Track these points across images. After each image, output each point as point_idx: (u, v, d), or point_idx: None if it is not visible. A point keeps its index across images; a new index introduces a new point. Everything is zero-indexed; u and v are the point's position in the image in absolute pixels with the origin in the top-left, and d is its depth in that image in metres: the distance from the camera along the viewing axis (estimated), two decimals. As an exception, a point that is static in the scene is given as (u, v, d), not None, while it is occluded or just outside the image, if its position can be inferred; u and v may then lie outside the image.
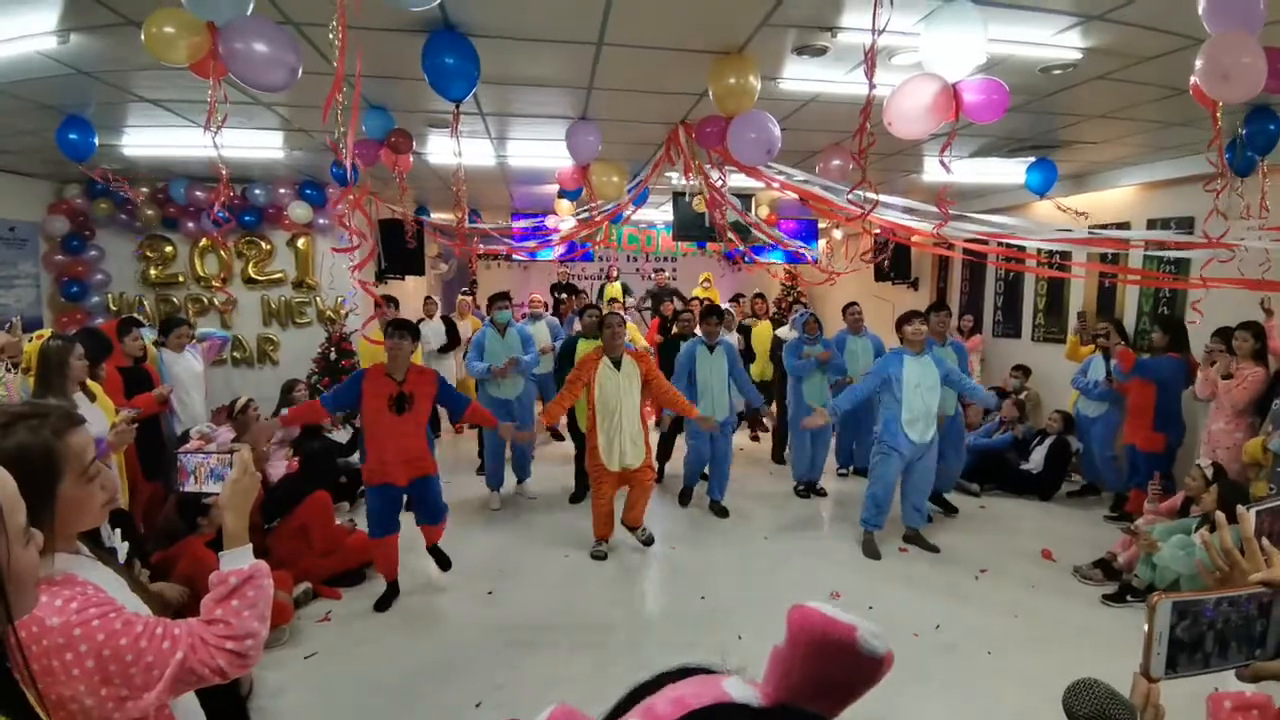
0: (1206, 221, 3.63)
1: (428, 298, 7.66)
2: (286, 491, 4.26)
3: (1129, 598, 3.99)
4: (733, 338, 6.98)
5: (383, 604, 3.93)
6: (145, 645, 1.16)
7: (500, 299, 5.79)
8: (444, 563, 4.15)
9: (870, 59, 2.39)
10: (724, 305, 7.39)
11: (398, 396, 3.74)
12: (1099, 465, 5.71)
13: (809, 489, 6.00)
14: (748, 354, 7.33)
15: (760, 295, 8.19)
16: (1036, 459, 5.88)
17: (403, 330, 3.82)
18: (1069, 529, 5.21)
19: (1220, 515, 1.20)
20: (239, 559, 1.34)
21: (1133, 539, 4.20)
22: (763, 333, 7.59)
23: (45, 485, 1.15)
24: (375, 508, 3.86)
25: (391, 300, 6.35)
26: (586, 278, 11.70)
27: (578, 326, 6.03)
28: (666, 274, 10.47)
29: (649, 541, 4.69)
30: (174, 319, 5.20)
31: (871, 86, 2.47)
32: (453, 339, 7.20)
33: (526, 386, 5.80)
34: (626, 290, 10.06)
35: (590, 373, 4.41)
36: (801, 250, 7.35)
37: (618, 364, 4.42)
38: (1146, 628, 0.97)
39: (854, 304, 6.20)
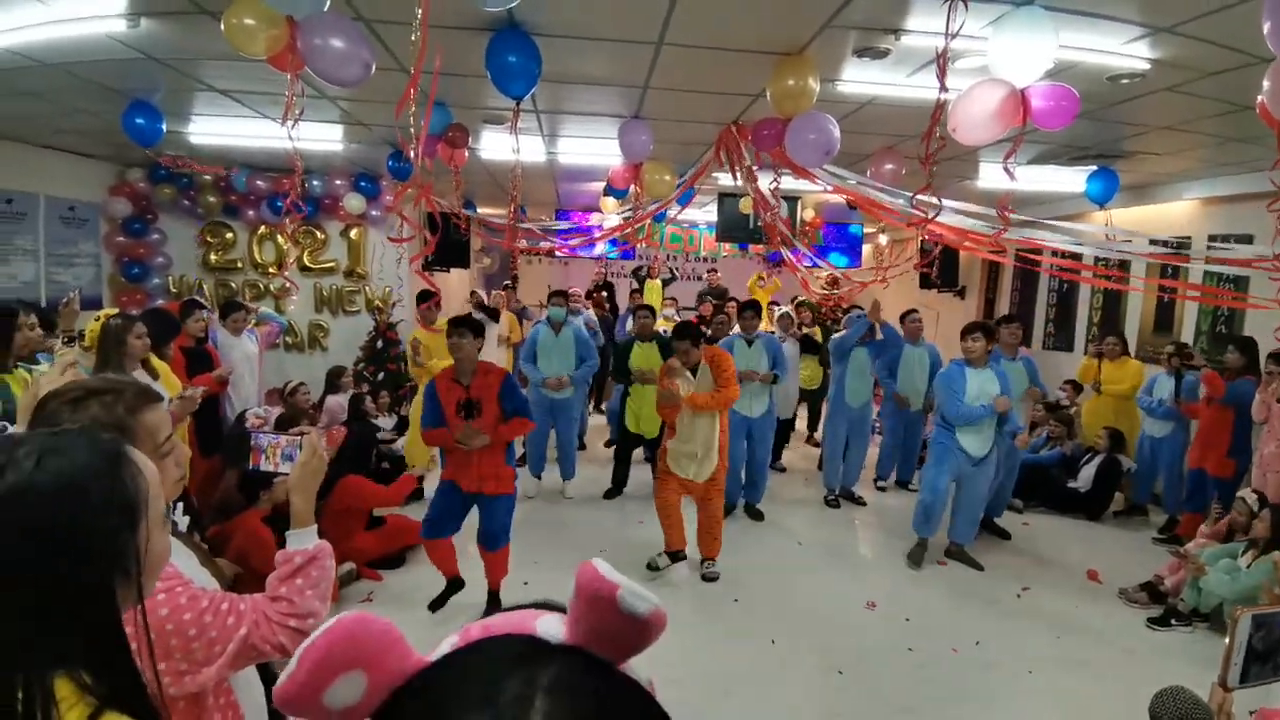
0: (1273, 241, 3.51)
1: (473, 291, 7.76)
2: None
3: (1174, 622, 3.89)
4: (794, 346, 6.65)
5: (437, 603, 3.79)
6: (210, 620, 1.18)
7: (557, 296, 5.77)
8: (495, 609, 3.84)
9: (942, 63, 2.36)
10: (785, 308, 7.20)
11: (465, 403, 3.49)
12: (1166, 486, 5.48)
13: (842, 498, 5.90)
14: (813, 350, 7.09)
15: (804, 303, 7.77)
16: (1085, 477, 5.73)
17: (461, 328, 3.51)
18: (1115, 550, 5.08)
19: None
20: (304, 539, 1.37)
21: (1181, 562, 4.10)
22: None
23: None
24: (434, 503, 3.71)
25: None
26: (624, 275, 11.54)
27: (630, 326, 5.96)
28: (720, 275, 10.35)
29: (711, 578, 4.32)
30: (232, 303, 5.34)
31: (943, 90, 2.45)
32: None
33: (576, 389, 5.76)
34: (666, 283, 9.92)
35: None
36: (835, 271, 7.06)
37: (694, 370, 4.18)
38: (1228, 640, 1.01)
39: (913, 311, 6.03)
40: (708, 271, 10.72)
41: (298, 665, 0.44)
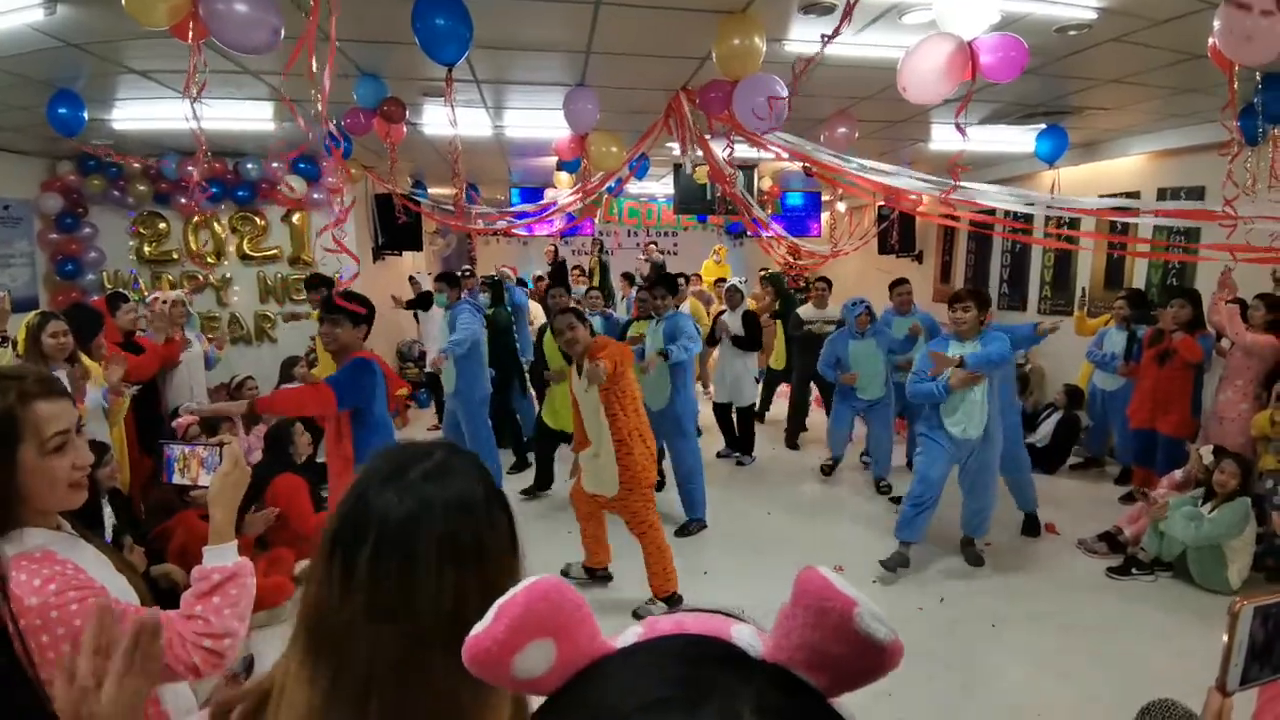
0: (1223, 188, 3.54)
1: (411, 277, 7.57)
2: (253, 475, 4.11)
3: (1134, 570, 3.97)
4: (736, 320, 6.08)
5: None
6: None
7: (439, 281, 5.56)
8: None
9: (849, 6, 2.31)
10: (733, 280, 7.06)
11: None
12: (1119, 439, 5.48)
13: (881, 492, 5.38)
14: (752, 343, 6.07)
15: (773, 276, 7.29)
16: (1044, 431, 5.83)
17: (336, 314, 3.04)
18: (1073, 502, 5.17)
19: None
20: (223, 555, 1.30)
21: (1140, 512, 4.17)
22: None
23: (3, 450, 1.12)
24: None
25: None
26: (585, 253, 11.19)
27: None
28: (656, 246, 10.06)
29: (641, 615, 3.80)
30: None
31: (832, 38, 2.41)
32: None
33: (458, 383, 5.17)
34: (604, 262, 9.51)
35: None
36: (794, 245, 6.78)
37: (580, 369, 3.62)
38: (1225, 638, 0.89)
39: (904, 281, 5.69)
40: (646, 244, 10.45)
41: (495, 620, 0.41)
